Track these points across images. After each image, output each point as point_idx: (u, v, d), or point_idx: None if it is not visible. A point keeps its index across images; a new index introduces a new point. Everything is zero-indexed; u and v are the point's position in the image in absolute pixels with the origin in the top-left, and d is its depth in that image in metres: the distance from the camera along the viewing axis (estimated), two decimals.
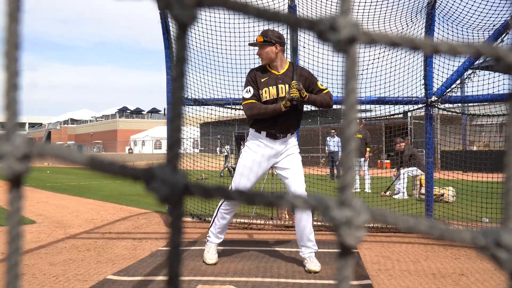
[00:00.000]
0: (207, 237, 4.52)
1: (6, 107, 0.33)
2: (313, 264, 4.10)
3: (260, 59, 4.35)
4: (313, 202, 0.33)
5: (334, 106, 5.97)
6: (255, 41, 4.38)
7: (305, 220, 4.18)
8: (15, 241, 0.34)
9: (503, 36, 5.31)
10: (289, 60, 4.47)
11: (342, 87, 0.34)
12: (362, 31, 0.33)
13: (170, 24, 6.32)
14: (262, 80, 4.25)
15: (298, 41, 5.91)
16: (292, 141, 4.35)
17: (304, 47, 5.94)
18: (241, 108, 4.50)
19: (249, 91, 4.25)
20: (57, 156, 0.34)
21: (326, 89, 4.37)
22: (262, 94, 4.23)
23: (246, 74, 4.46)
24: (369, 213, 0.33)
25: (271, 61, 4.27)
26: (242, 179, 4.27)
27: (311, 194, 0.35)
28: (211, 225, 4.50)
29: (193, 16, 0.32)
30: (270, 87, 4.22)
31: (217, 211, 4.40)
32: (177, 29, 0.34)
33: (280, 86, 4.21)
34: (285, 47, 4.40)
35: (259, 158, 4.27)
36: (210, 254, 4.38)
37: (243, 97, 4.30)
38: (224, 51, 6.13)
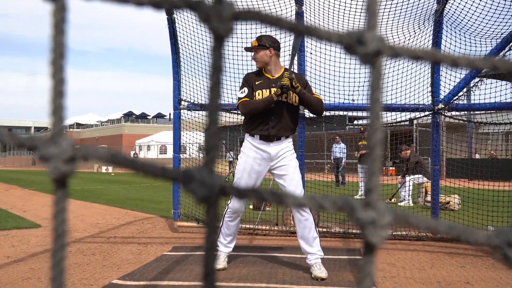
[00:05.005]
0: (217, 247, 4.47)
1: (53, 112, 0.35)
2: (320, 271, 4.08)
3: (255, 63, 4.48)
4: (340, 203, 0.35)
5: (337, 113, 5.98)
6: (250, 46, 4.51)
7: (308, 228, 4.19)
8: (60, 238, 0.36)
9: (511, 44, 5.32)
10: (285, 66, 4.54)
11: (368, 97, 0.36)
12: (387, 45, 0.35)
13: (178, 29, 6.36)
14: (257, 83, 4.35)
15: (305, 47, 5.94)
16: (287, 145, 4.38)
17: (311, 53, 5.97)
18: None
19: (244, 91, 4.35)
20: (101, 159, 0.36)
21: (319, 96, 4.47)
22: (255, 97, 4.32)
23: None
24: (392, 214, 0.35)
25: (265, 65, 4.40)
26: (242, 182, 4.30)
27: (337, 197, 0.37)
28: (218, 235, 4.51)
29: (230, 29, 0.35)
30: (264, 90, 4.31)
31: (222, 221, 4.43)
32: (214, 40, 0.36)
33: (273, 89, 4.28)
34: (280, 51, 4.51)
35: (254, 161, 4.32)
36: (218, 261, 4.39)
37: (238, 97, 4.41)
38: (231, 56, 6.16)
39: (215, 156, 0.36)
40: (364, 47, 0.35)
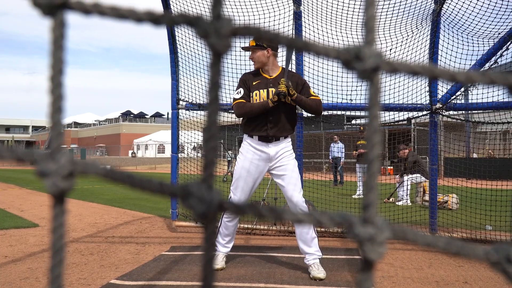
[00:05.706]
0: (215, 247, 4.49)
1: (51, 128, 0.35)
2: (318, 272, 4.08)
3: (253, 63, 4.44)
4: (338, 219, 0.35)
5: (335, 112, 6.01)
6: (247, 46, 4.47)
7: (307, 227, 4.19)
8: (58, 253, 0.36)
9: (508, 44, 5.33)
10: (282, 66, 4.51)
11: (366, 113, 0.36)
12: (385, 60, 0.35)
13: (176, 29, 6.35)
14: (254, 83, 4.33)
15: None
16: (286, 145, 4.37)
17: (309, 52, 5.97)
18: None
19: (240, 92, 4.33)
20: (98, 175, 0.36)
21: (317, 96, 4.44)
22: (252, 97, 4.30)
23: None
24: (391, 230, 0.35)
25: (263, 65, 4.37)
26: (240, 183, 4.33)
27: (335, 211, 0.37)
28: (216, 235, 4.52)
29: (229, 45, 0.35)
30: (261, 90, 4.29)
31: (221, 221, 4.43)
32: (212, 56, 0.36)
33: (270, 89, 4.27)
34: (278, 51, 4.48)
35: (253, 162, 4.31)
36: (216, 261, 4.39)
37: (233, 98, 4.38)
38: (229, 56, 6.15)
39: (214, 171, 0.36)
40: (362, 63, 0.35)
